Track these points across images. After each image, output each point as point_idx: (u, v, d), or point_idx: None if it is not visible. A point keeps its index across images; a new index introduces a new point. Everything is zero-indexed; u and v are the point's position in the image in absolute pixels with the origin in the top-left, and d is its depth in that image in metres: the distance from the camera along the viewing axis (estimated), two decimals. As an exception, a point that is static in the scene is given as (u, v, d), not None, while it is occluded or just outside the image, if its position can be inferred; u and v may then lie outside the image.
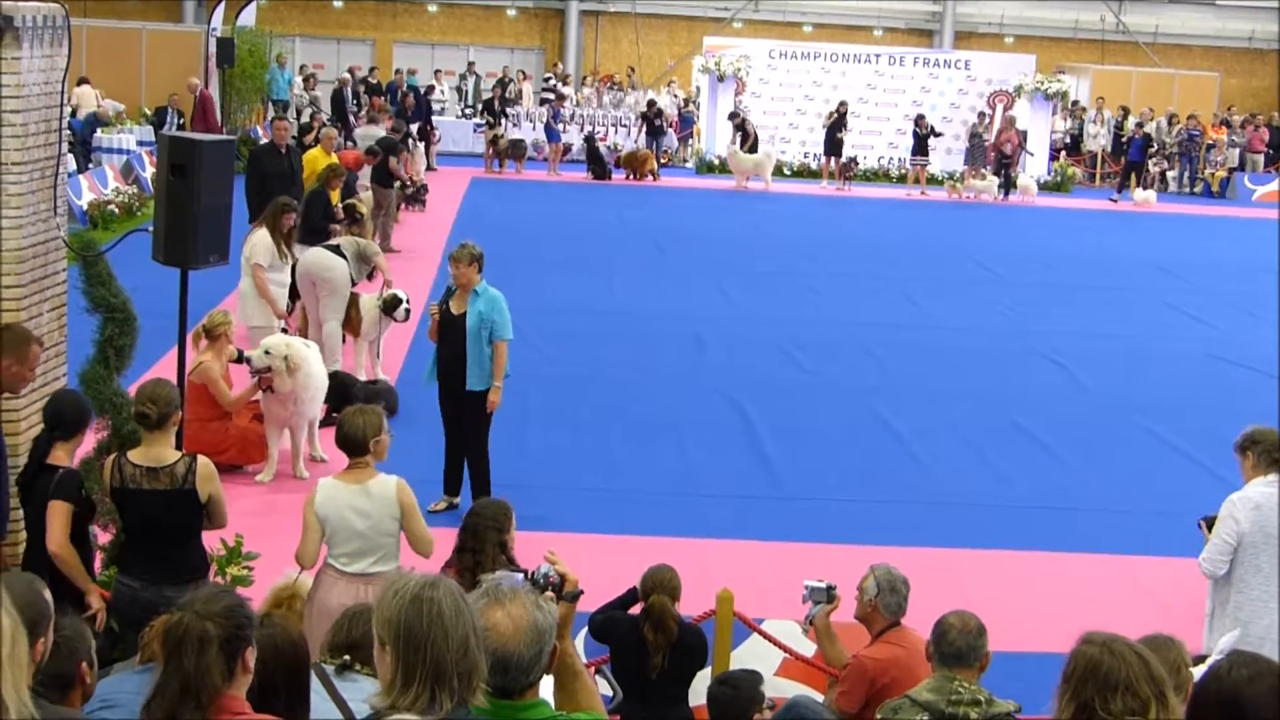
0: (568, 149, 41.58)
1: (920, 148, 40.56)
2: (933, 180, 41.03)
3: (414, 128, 36.10)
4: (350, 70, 44.66)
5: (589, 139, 40.77)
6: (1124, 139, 44.66)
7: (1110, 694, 5.10)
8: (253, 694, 5.08)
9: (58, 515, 8.68)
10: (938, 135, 41.16)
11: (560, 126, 42.04)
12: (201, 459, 8.91)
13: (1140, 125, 44.06)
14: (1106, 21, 52.57)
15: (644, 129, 42.41)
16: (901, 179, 41.64)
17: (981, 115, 42.32)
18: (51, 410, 9.03)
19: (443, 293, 13.50)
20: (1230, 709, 5.07)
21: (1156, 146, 44.24)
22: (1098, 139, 44.81)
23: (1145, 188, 41.60)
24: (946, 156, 42.62)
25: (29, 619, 4.99)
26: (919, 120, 40.76)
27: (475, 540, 8.42)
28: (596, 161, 39.72)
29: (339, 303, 17.01)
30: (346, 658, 5.89)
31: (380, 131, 30.21)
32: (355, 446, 8.93)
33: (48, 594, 5.16)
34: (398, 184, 27.70)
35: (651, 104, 42.88)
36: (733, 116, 41.12)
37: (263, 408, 14.02)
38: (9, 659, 3.90)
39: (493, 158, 39.57)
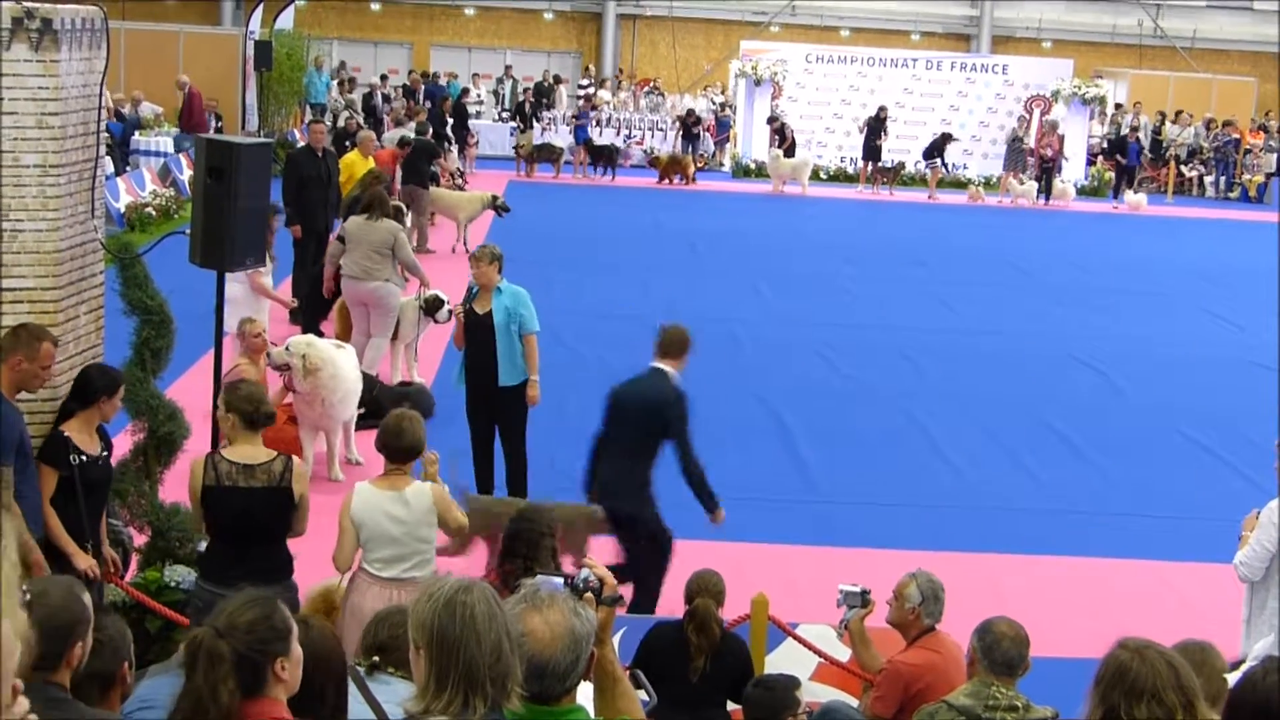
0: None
1: (933, 152, 40.54)
2: (948, 184, 41.00)
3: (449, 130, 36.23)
4: (383, 75, 44.86)
5: (584, 139, 40.94)
6: (1163, 144, 44.62)
7: (1136, 700, 5.08)
8: (292, 700, 5.08)
9: (44, 479, 8.75)
10: (951, 140, 41.08)
11: (594, 130, 42.11)
12: (296, 459, 9.01)
13: (1135, 129, 43.96)
14: (1144, 26, 52.40)
15: (680, 134, 42.45)
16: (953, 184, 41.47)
17: (1021, 120, 42.19)
18: (78, 380, 9.10)
19: (464, 295, 13.51)
20: (1266, 715, 5.04)
21: (1192, 152, 44.23)
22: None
23: (1136, 191, 41.50)
24: (983, 161, 42.57)
25: (65, 622, 5.02)
26: (944, 138, 40.83)
27: (529, 548, 8.45)
28: (599, 156, 39.82)
29: (389, 320, 17.13)
30: (376, 659, 5.90)
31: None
32: (400, 453, 8.96)
33: (87, 598, 5.18)
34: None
35: (690, 113, 42.91)
36: (771, 120, 41.11)
37: (295, 410, 14.05)
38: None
39: (521, 162, 39.60)
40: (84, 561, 8.87)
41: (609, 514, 11.27)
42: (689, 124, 42.51)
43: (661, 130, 43.83)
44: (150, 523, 10.32)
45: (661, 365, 11.61)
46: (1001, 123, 42.93)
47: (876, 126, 40.63)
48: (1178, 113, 46.51)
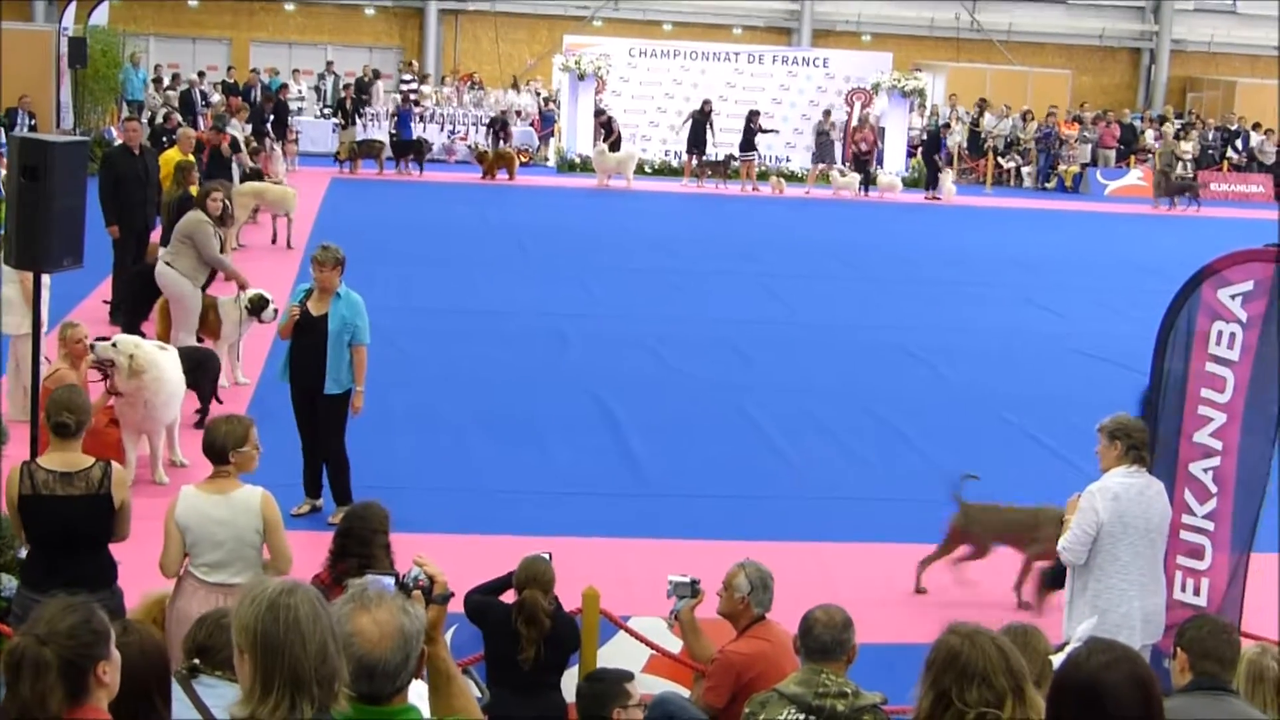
0: (428, 148, 41.48)
1: (748, 143, 40.85)
2: (764, 175, 41.39)
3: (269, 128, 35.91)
4: (200, 72, 44.33)
5: (392, 132, 40.91)
6: (980, 135, 45.43)
7: (967, 684, 5.15)
8: (116, 704, 5.00)
9: None
10: (767, 131, 41.44)
11: (417, 126, 41.96)
12: (116, 465, 8.84)
13: (945, 125, 44.71)
14: (961, 19, 53.21)
15: (492, 136, 42.35)
16: (762, 176, 41.76)
17: (826, 112, 42.62)
18: None
19: (299, 292, 13.36)
20: (1089, 695, 5.13)
21: (1010, 143, 45.07)
22: (953, 135, 45.22)
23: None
24: (806, 154, 42.98)
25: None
26: (751, 116, 41.04)
27: (363, 546, 8.40)
28: (406, 151, 39.76)
29: (187, 315, 16.94)
30: (195, 661, 5.83)
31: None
32: (215, 454, 8.83)
33: None
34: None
35: (496, 118, 42.72)
36: (598, 115, 41.15)
37: (116, 412, 13.80)
38: None
39: (344, 159, 39.25)
40: None
41: None
42: (497, 129, 42.49)
43: (485, 125, 43.69)
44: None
45: None
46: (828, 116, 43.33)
47: (701, 120, 40.82)
48: (982, 103, 47.31)
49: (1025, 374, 20.39)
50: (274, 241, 27.05)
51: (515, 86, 47.80)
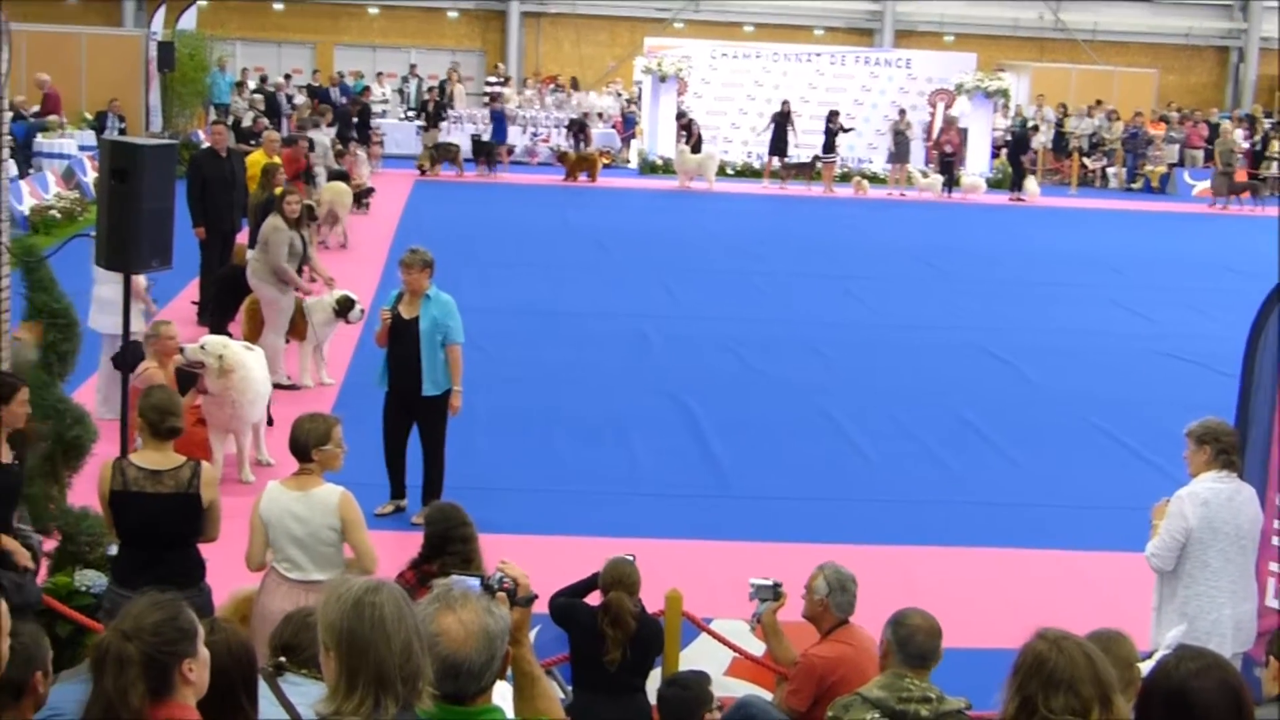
0: (511, 150, 41.64)
1: (829, 145, 40.69)
2: (846, 177, 41.24)
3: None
4: (286, 75, 44.62)
5: (475, 136, 40.89)
6: (1066, 136, 45.09)
7: (1053, 691, 5.11)
8: (204, 702, 5.03)
9: None
10: (847, 130, 41.27)
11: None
12: (206, 465, 8.93)
13: (1033, 126, 44.36)
14: (1045, 19, 52.86)
15: (572, 138, 42.40)
16: (844, 178, 41.59)
17: (902, 111, 42.44)
18: None
19: (391, 297, 13.43)
20: (1178, 703, 5.09)
21: (1096, 143, 44.71)
22: (1038, 136, 44.90)
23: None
24: (885, 155, 42.77)
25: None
26: (830, 116, 40.87)
27: (444, 545, 8.41)
28: (486, 154, 39.80)
29: (278, 317, 17.12)
30: (282, 659, 5.86)
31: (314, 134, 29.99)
32: (299, 452, 8.90)
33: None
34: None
35: (575, 121, 42.70)
36: (680, 117, 41.12)
37: (204, 412, 13.92)
38: None
39: (423, 167, 39.38)
40: (23, 556, 8.80)
41: None
42: (576, 132, 42.54)
43: (565, 127, 43.77)
44: (59, 527, 10.20)
45: None
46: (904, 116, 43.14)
47: (782, 122, 40.72)
48: (1063, 108, 46.95)
49: (1111, 376, 20.21)
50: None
51: (576, 87, 47.84)
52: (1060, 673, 5.11)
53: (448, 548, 8.45)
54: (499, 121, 41.68)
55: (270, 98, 41.51)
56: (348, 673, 4.38)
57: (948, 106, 42.94)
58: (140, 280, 14.58)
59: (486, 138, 40.80)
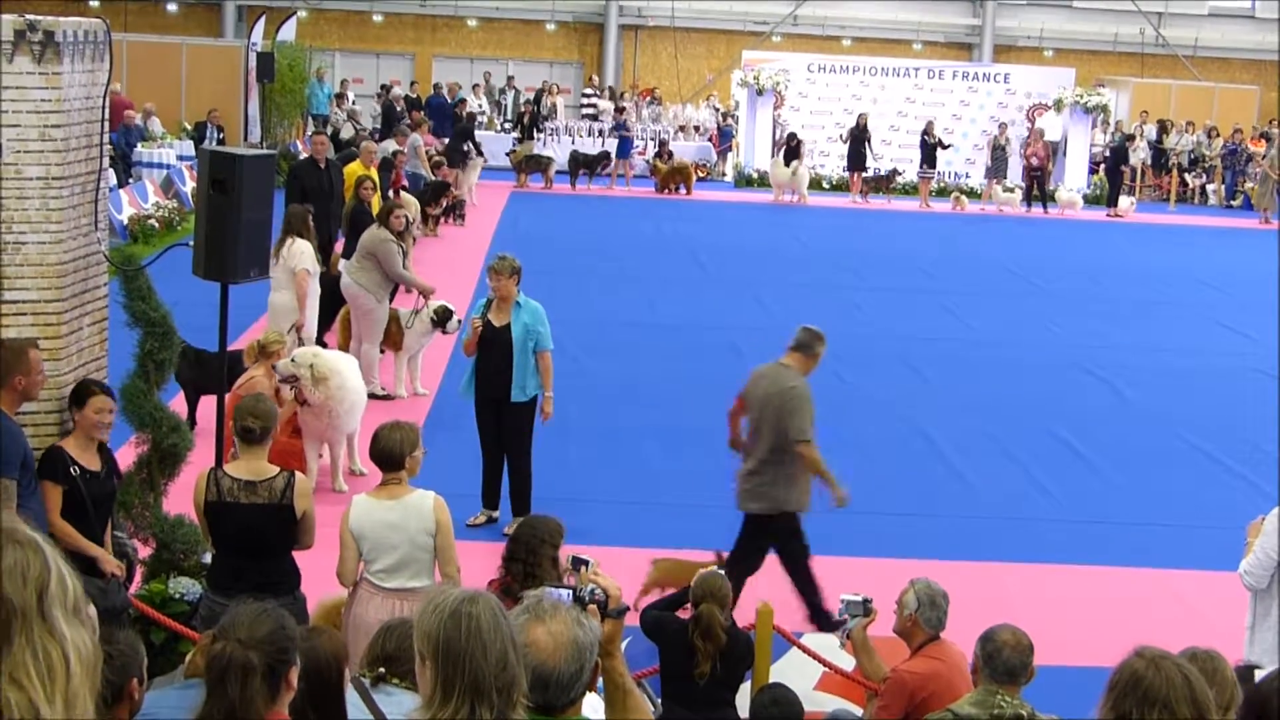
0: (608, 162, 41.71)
1: (929, 159, 40.51)
2: (944, 192, 41.01)
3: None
4: (384, 86, 44.88)
5: (627, 150, 40.85)
6: (1165, 152, 44.63)
7: (1149, 709, 5.06)
8: (293, 708, 5.10)
9: (47, 495, 8.77)
10: (945, 147, 41.05)
11: (595, 140, 42.10)
12: (300, 475, 9.02)
13: (1130, 138, 43.87)
14: (1146, 34, 52.40)
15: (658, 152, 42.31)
16: (942, 193, 41.37)
17: (1002, 126, 42.14)
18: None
19: (480, 306, 13.50)
20: (1278, 720, 5.04)
21: (1195, 160, 44.25)
22: (1138, 152, 44.49)
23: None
24: (983, 170, 42.51)
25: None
26: (928, 129, 40.66)
27: (530, 555, 8.44)
28: (579, 166, 39.80)
29: (373, 328, 17.22)
30: (381, 670, 5.91)
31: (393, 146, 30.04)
32: (389, 461, 8.94)
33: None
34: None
35: (663, 143, 42.57)
36: (791, 138, 40.77)
37: (299, 421, 14.04)
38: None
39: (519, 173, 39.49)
40: (111, 564, 8.91)
41: None
42: (659, 147, 42.39)
43: (664, 140, 43.72)
44: (154, 535, 10.31)
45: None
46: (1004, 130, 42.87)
47: (859, 135, 40.51)
48: (1162, 124, 46.44)
49: (1209, 395, 20.00)
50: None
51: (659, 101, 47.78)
52: (1156, 692, 5.07)
53: (524, 554, 8.47)
54: (625, 139, 41.51)
55: (388, 108, 41.54)
56: (443, 682, 4.40)
57: (1035, 119, 42.60)
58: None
59: (590, 151, 40.75)
